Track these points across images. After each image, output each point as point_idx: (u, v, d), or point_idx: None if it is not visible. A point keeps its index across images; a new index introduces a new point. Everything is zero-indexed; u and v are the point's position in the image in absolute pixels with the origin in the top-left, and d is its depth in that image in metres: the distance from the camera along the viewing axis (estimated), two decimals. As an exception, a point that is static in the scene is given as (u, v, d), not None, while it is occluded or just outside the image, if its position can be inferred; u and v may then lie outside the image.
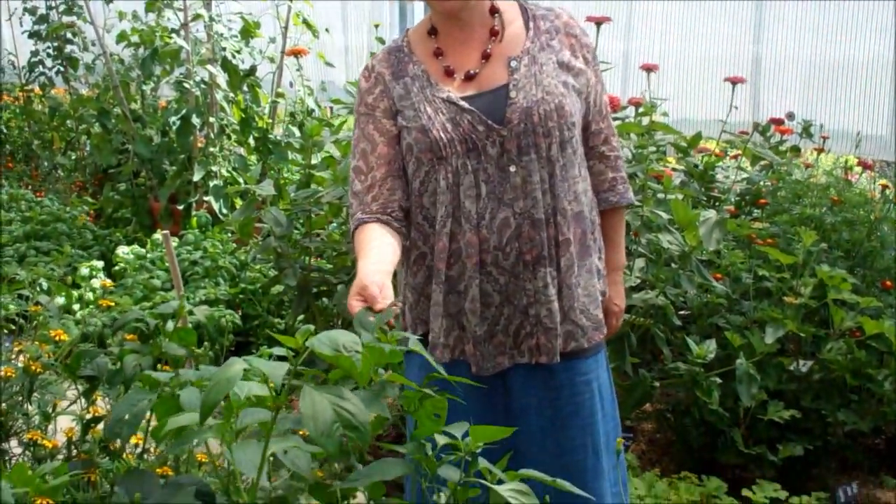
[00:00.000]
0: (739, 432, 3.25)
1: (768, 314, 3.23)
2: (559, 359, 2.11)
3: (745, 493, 2.95)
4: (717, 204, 3.94)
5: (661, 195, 3.45)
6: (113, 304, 3.55)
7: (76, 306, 4.45)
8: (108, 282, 3.67)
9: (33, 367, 1.88)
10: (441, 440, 1.36)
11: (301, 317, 3.96)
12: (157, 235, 5.14)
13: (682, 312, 3.58)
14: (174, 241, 5.02)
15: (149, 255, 5.01)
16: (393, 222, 2.09)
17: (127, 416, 1.54)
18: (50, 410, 1.91)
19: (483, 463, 1.34)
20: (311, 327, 1.24)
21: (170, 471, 1.82)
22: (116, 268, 4.94)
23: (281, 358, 1.29)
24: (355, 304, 1.71)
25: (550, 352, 2.10)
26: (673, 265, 3.40)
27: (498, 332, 2.11)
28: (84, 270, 4.78)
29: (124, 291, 4.55)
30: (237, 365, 1.19)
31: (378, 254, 1.96)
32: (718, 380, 3.23)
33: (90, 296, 4.52)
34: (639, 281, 3.38)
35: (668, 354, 3.42)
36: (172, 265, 2.98)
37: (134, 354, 1.86)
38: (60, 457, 1.85)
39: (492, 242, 2.06)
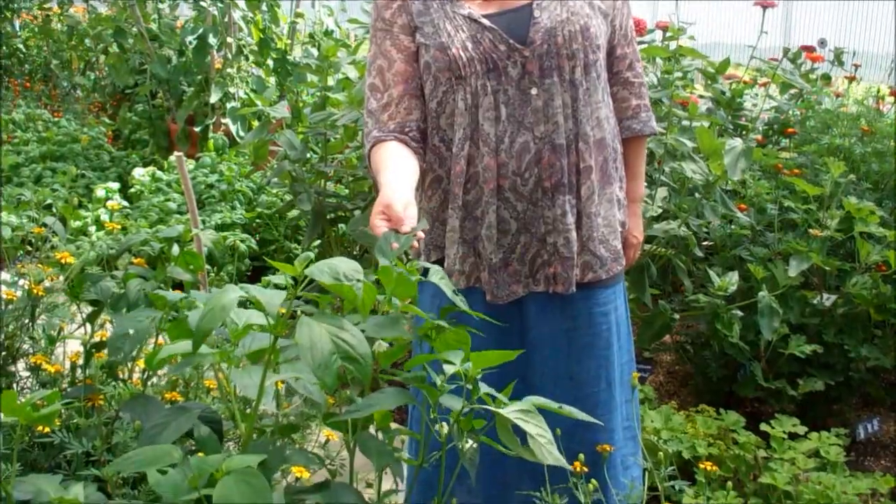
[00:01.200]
0: (760, 366, 3.20)
1: (793, 246, 3.15)
2: (575, 289, 2.05)
3: (764, 427, 2.90)
4: (743, 133, 3.83)
5: (686, 122, 3.35)
6: (118, 226, 3.50)
7: (92, 228, 4.41)
8: (117, 204, 3.61)
9: (35, 291, 1.84)
10: (449, 370, 1.30)
11: (317, 242, 3.91)
12: (174, 157, 5.09)
13: (704, 243, 3.51)
14: (190, 164, 4.97)
15: (165, 178, 4.96)
16: (410, 142, 2.01)
17: (131, 332, 1.50)
18: (55, 334, 1.87)
19: (485, 389, 1.27)
20: (311, 255, 1.17)
21: (179, 396, 1.79)
22: (133, 190, 4.90)
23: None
24: (379, 224, 1.65)
25: (567, 282, 2.04)
26: (696, 195, 3.32)
27: (514, 260, 2.05)
28: (100, 192, 4.74)
29: (140, 214, 4.51)
30: (232, 293, 1.13)
31: (401, 170, 1.90)
32: (740, 312, 3.17)
33: (107, 218, 4.48)
34: (661, 211, 3.29)
35: (689, 286, 3.36)
36: (186, 188, 2.92)
37: (138, 279, 1.82)
38: (66, 381, 1.82)
39: (510, 167, 1.98)
